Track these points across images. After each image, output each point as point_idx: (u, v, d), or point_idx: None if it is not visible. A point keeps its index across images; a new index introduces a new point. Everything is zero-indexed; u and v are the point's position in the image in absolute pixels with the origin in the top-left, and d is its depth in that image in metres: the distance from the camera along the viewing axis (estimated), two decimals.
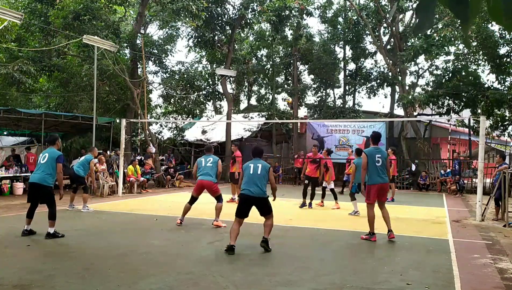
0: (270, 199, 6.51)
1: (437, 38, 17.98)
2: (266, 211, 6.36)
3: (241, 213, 6.30)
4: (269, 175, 6.46)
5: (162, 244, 6.64)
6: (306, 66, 24.47)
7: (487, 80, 19.48)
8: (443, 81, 19.32)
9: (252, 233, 7.23)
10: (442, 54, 19.62)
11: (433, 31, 18.46)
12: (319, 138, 20.98)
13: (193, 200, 8.29)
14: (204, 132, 25.08)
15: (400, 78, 20.26)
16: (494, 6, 1.42)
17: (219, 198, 8.24)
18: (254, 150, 6.88)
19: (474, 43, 18.40)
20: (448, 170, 17.84)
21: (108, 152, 16.95)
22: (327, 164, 11.85)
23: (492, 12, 1.44)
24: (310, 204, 11.34)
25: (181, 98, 21.69)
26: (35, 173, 6.99)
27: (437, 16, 18.54)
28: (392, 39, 21.57)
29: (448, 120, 19.35)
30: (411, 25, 20.82)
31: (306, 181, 11.37)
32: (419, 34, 17.04)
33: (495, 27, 17.88)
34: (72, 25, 15.93)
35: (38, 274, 4.83)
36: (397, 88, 21.52)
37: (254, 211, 6.39)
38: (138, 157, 17.72)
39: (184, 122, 24.20)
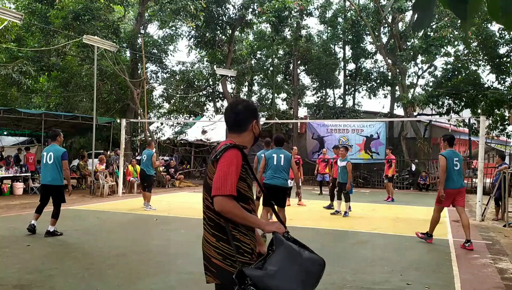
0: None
1: (436, 38, 17.99)
2: (283, 202, 6.69)
3: (268, 202, 6.61)
4: (291, 164, 6.79)
5: (162, 244, 6.64)
6: (306, 66, 24.47)
7: (487, 80, 19.51)
8: (443, 81, 19.32)
9: None
10: (441, 54, 19.62)
11: (432, 31, 18.47)
12: (319, 138, 21.00)
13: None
14: (204, 132, 25.08)
15: (400, 78, 20.26)
16: (493, 3, 1.41)
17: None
18: (276, 139, 7.07)
19: (474, 44, 18.40)
20: None
21: (108, 152, 16.95)
22: (299, 162, 11.87)
23: (491, 10, 1.44)
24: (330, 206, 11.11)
25: (181, 98, 21.70)
26: (45, 175, 7.11)
27: (436, 16, 18.55)
28: (392, 39, 21.58)
29: (448, 120, 19.36)
30: (411, 24, 20.83)
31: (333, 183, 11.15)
32: (418, 32, 17.03)
33: (495, 27, 17.91)
34: (71, 25, 15.93)
35: (38, 274, 4.83)
36: (397, 88, 21.52)
37: None
38: (138, 157, 17.74)
39: (184, 123, 24.20)
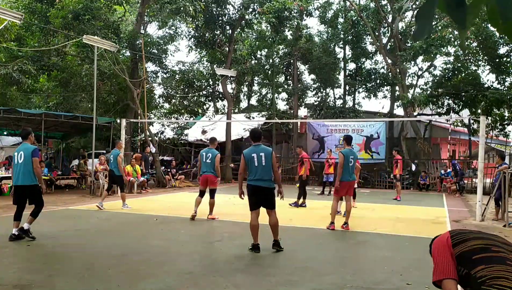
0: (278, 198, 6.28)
1: (436, 38, 18.00)
2: (270, 204, 6.15)
3: (255, 205, 6.17)
4: (272, 162, 6.12)
5: (162, 244, 6.64)
6: (306, 66, 24.47)
7: (487, 80, 19.53)
8: (443, 81, 19.34)
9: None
10: (441, 54, 19.63)
11: (432, 32, 18.47)
12: (319, 138, 21.00)
13: (202, 193, 9.09)
14: (204, 132, 25.09)
15: (400, 78, 20.27)
16: (492, 10, 1.40)
17: (212, 193, 8.97)
18: (252, 134, 6.38)
19: (474, 44, 18.42)
20: (449, 170, 17.83)
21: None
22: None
23: (491, 16, 1.43)
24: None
25: (181, 98, 21.69)
26: (17, 176, 6.79)
27: (436, 16, 18.57)
28: (392, 39, 21.58)
29: (448, 120, 19.37)
30: (411, 25, 20.84)
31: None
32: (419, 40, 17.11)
33: None
34: (71, 25, 15.92)
35: (38, 274, 4.83)
36: (397, 88, 21.52)
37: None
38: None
39: (185, 122, 24.20)
